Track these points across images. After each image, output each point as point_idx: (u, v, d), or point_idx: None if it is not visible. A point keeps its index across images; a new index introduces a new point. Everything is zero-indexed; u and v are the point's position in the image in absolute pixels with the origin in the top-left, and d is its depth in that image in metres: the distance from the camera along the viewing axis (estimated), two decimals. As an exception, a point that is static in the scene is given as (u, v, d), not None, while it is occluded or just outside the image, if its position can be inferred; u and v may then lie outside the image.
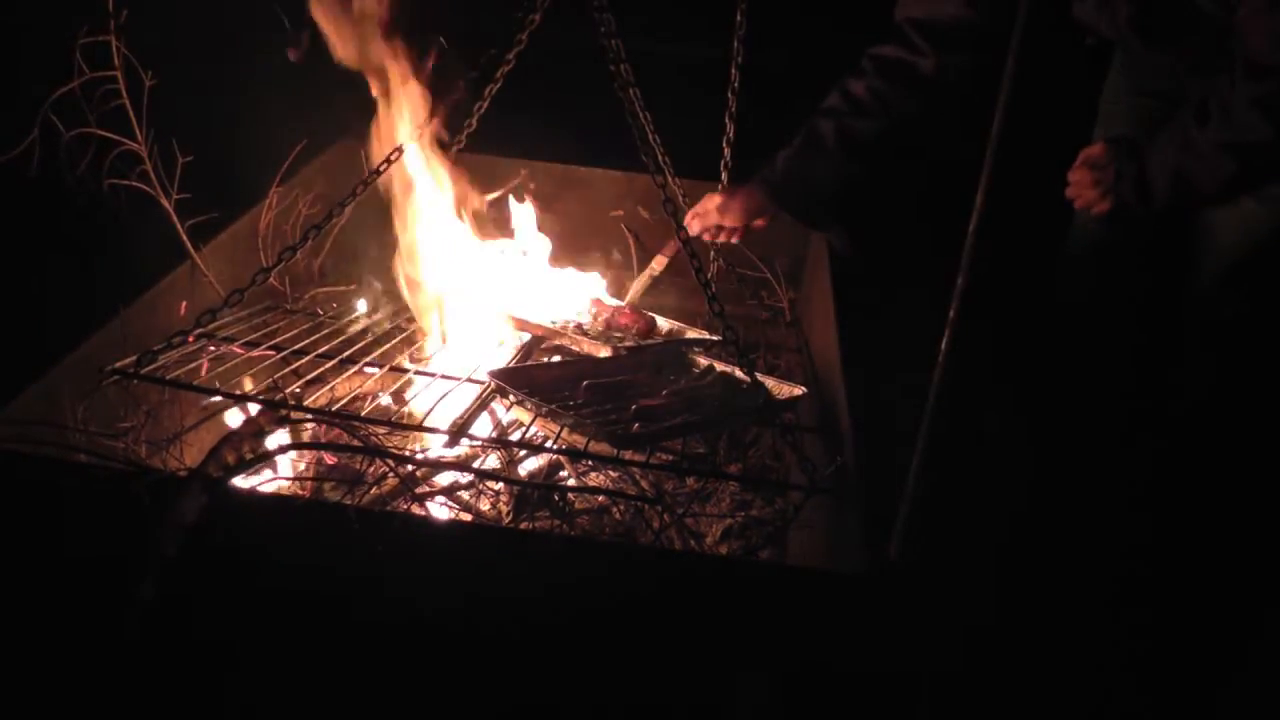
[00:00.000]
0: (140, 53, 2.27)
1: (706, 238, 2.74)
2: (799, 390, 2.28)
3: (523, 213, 2.89)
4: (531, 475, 2.29)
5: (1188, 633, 2.41)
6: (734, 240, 2.76)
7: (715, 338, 2.57)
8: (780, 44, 3.27)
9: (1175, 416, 2.55)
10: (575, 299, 2.70)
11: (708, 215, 2.68)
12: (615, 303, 2.70)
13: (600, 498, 2.24)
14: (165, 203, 2.37)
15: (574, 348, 2.49)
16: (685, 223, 2.68)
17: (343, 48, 2.30)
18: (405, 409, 2.31)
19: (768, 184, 2.63)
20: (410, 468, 2.09)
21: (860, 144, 2.55)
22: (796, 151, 2.60)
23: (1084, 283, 2.71)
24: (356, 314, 2.68)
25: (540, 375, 2.23)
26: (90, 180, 2.21)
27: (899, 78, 2.50)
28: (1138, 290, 2.62)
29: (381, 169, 2.26)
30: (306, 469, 2.29)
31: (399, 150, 2.29)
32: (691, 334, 2.63)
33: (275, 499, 1.93)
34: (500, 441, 2.18)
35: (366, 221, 2.72)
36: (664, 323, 2.66)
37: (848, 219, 2.96)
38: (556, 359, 2.48)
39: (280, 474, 2.21)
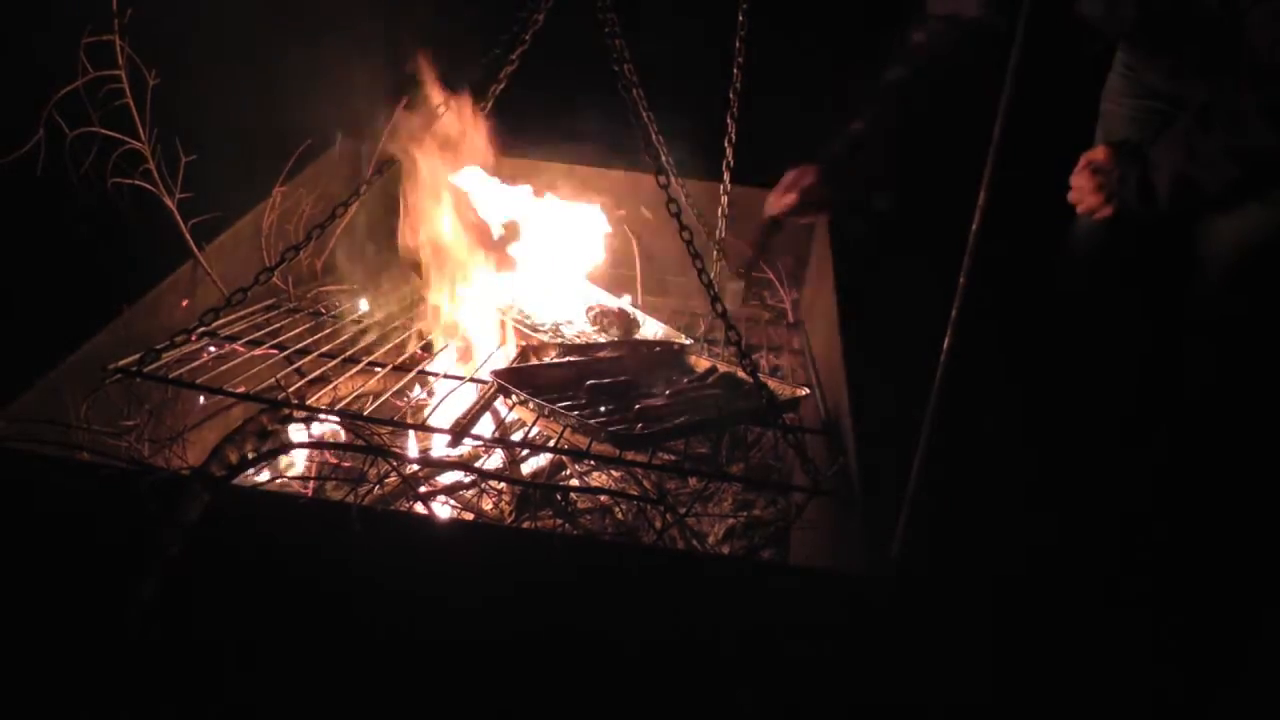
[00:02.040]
0: (143, 52, 2.27)
1: (792, 218, 2.66)
2: (801, 391, 2.28)
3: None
4: (534, 475, 2.29)
5: (1188, 632, 2.41)
6: (820, 216, 2.75)
7: (686, 340, 2.58)
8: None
9: (1177, 414, 2.56)
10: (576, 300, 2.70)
11: (794, 194, 2.61)
12: (611, 304, 2.71)
13: (603, 498, 2.25)
14: (168, 202, 2.37)
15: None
16: (770, 203, 2.64)
17: None
18: (408, 408, 2.31)
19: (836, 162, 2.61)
20: (413, 467, 2.10)
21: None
22: (867, 125, 2.58)
23: (1084, 279, 2.72)
24: (359, 312, 2.68)
25: (543, 375, 2.23)
26: (94, 179, 2.21)
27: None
28: (1138, 288, 2.63)
29: (384, 169, 2.27)
30: (309, 468, 2.29)
31: (391, 160, 2.30)
32: (667, 335, 2.63)
33: (278, 498, 1.93)
34: (503, 441, 2.19)
35: (370, 220, 2.73)
36: (656, 327, 2.66)
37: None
38: (558, 359, 2.48)
39: (283, 473, 2.21)
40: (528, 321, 2.55)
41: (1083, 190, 2.36)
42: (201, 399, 2.29)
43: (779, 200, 2.62)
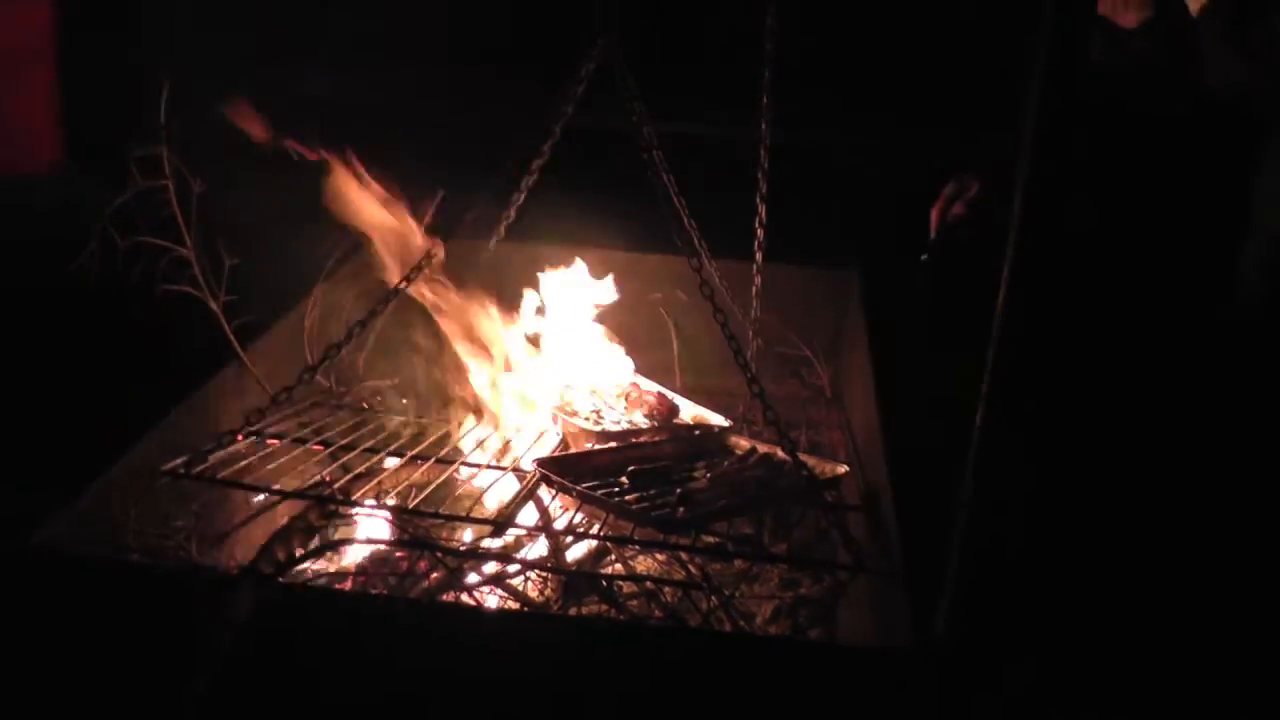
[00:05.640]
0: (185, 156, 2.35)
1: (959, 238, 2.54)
2: (842, 468, 2.28)
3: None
4: (578, 561, 2.30)
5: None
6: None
7: (726, 421, 2.58)
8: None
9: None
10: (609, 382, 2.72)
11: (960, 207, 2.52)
12: (651, 387, 2.72)
13: (648, 583, 2.25)
14: (213, 305, 2.42)
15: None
16: (933, 222, 2.56)
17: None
18: (452, 500, 2.33)
19: None
20: (457, 560, 2.11)
21: None
22: None
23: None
24: (403, 406, 2.72)
25: (585, 463, 2.25)
26: (143, 286, 2.28)
27: None
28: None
29: (413, 276, 2.32)
30: (358, 562, 2.31)
31: (429, 256, 2.35)
32: (709, 417, 2.64)
33: (327, 593, 1.95)
34: (547, 530, 2.20)
35: (410, 317, 2.77)
36: (690, 407, 2.67)
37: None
38: (600, 446, 2.49)
39: (332, 568, 2.23)
40: (568, 409, 2.57)
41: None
42: (256, 498, 2.32)
43: (940, 216, 2.55)
